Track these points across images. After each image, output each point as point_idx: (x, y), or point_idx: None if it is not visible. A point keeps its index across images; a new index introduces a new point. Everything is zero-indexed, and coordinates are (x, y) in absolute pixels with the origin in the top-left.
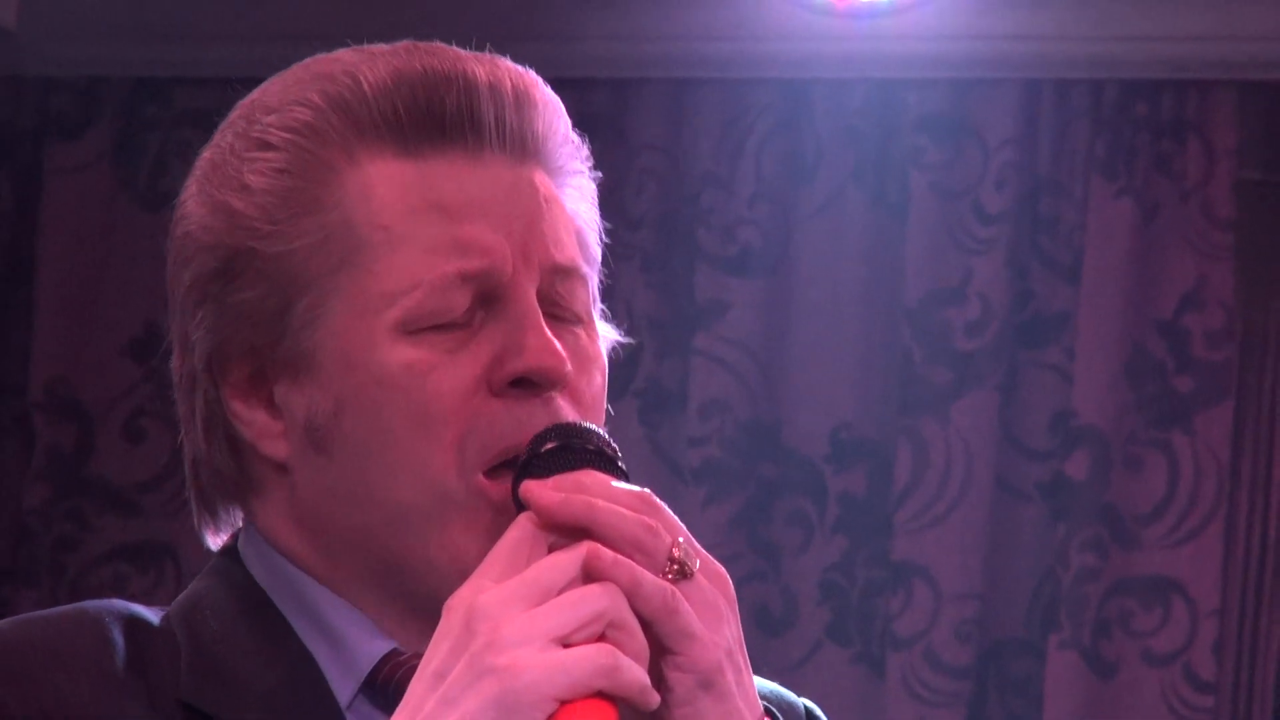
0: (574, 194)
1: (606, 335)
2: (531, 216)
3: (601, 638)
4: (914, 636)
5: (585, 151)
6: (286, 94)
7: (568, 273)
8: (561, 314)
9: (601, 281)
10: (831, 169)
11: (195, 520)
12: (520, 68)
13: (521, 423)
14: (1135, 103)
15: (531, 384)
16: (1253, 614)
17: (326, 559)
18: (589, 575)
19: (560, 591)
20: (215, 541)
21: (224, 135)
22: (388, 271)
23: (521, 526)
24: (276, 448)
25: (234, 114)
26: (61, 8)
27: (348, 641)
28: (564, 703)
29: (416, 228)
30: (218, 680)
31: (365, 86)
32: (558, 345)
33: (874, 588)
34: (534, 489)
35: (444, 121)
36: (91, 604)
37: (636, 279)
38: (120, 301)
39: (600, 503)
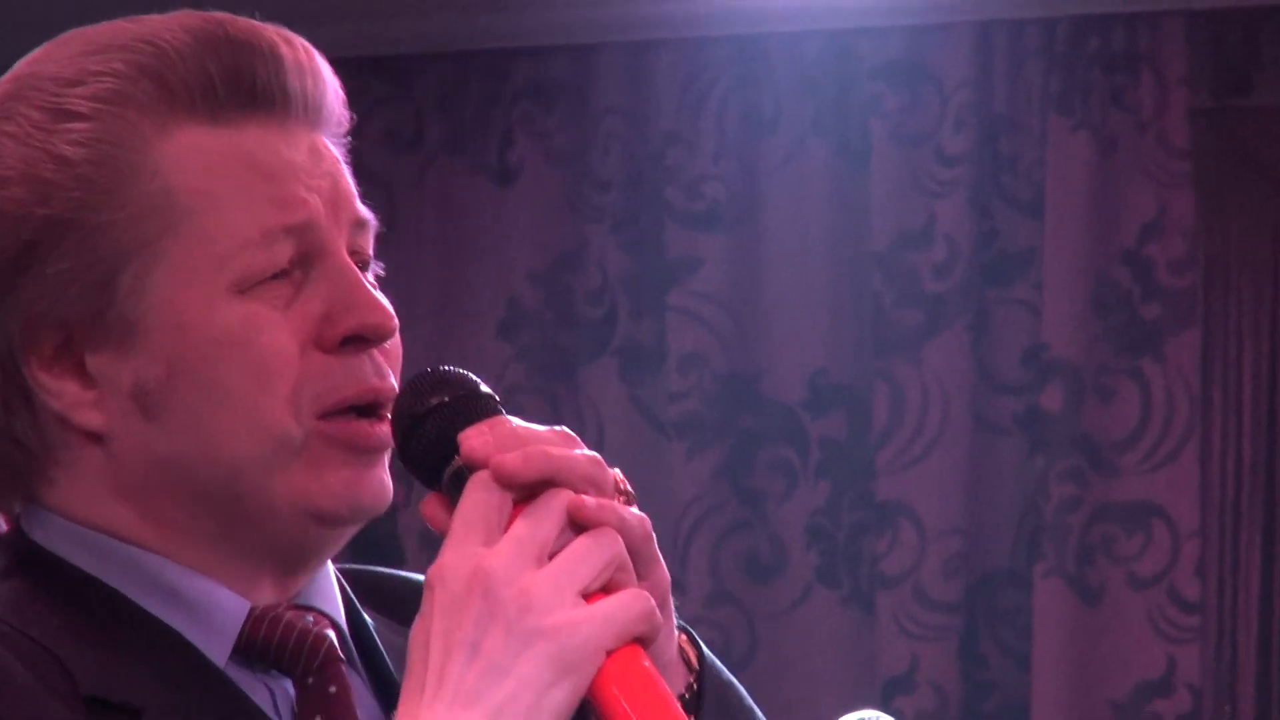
0: (342, 155)
1: None
2: (334, 175)
3: (609, 582)
4: (902, 574)
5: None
6: (84, 64)
7: (365, 224)
8: (361, 263)
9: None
10: (792, 121)
11: None
12: (297, 35)
13: (354, 375)
14: (1087, 38)
15: (362, 340)
16: (1232, 533)
17: (156, 527)
18: (576, 523)
19: (554, 544)
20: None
21: (7, 107)
22: (214, 235)
23: (485, 486)
24: (90, 418)
25: (9, 88)
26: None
27: (205, 607)
28: (609, 653)
29: (235, 190)
30: (105, 669)
31: (173, 54)
32: (385, 302)
33: (860, 529)
34: (487, 451)
35: (254, 89)
36: None
37: (607, 240)
38: None
39: (553, 450)
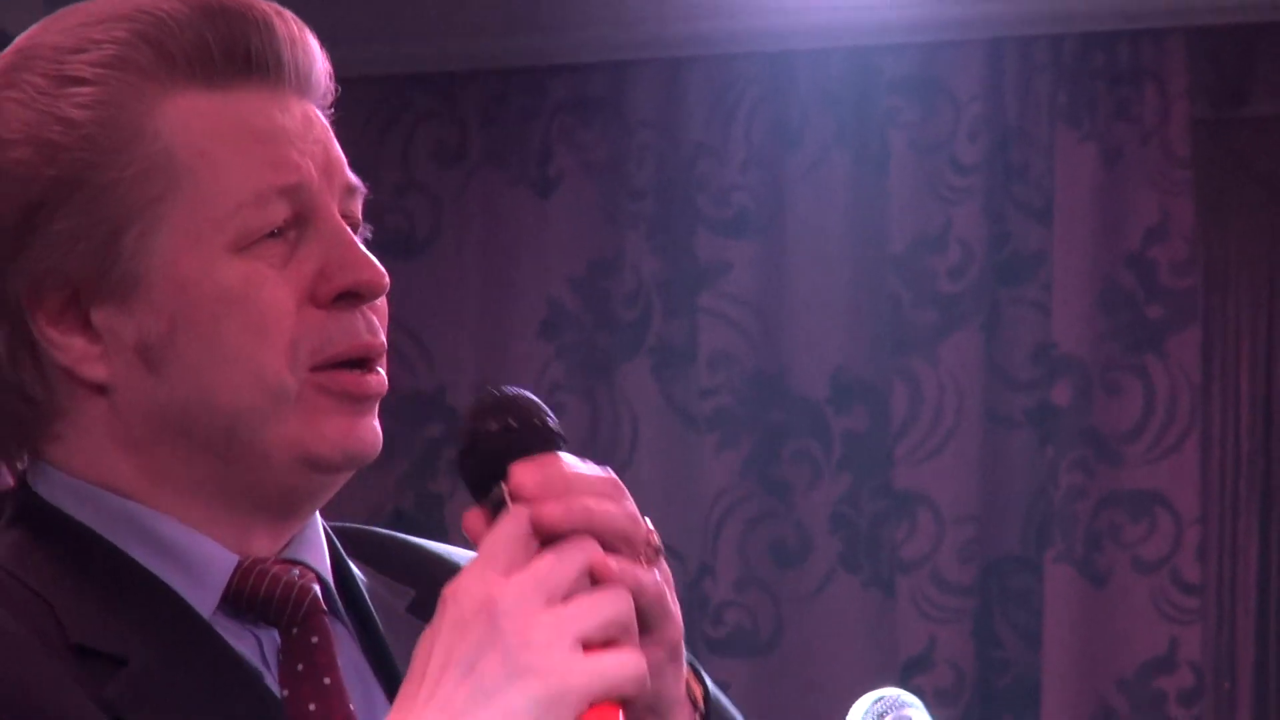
0: (330, 126)
1: None
2: (325, 143)
3: (610, 640)
4: (920, 560)
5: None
6: (86, 34)
7: (355, 190)
8: (351, 225)
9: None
10: (816, 133)
11: None
12: (287, 9)
13: (348, 331)
14: (1093, 54)
15: (356, 296)
16: (1231, 520)
17: (155, 480)
18: (595, 577)
19: (569, 589)
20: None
21: (11, 76)
22: (212, 196)
23: (519, 519)
24: (96, 371)
25: (12, 59)
26: None
27: (195, 559)
28: (591, 705)
29: (233, 152)
30: (94, 619)
31: (172, 23)
32: (376, 261)
33: (880, 517)
34: (533, 493)
35: (249, 57)
36: None
37: (642, 245)
38: None
39: (594, 505)
